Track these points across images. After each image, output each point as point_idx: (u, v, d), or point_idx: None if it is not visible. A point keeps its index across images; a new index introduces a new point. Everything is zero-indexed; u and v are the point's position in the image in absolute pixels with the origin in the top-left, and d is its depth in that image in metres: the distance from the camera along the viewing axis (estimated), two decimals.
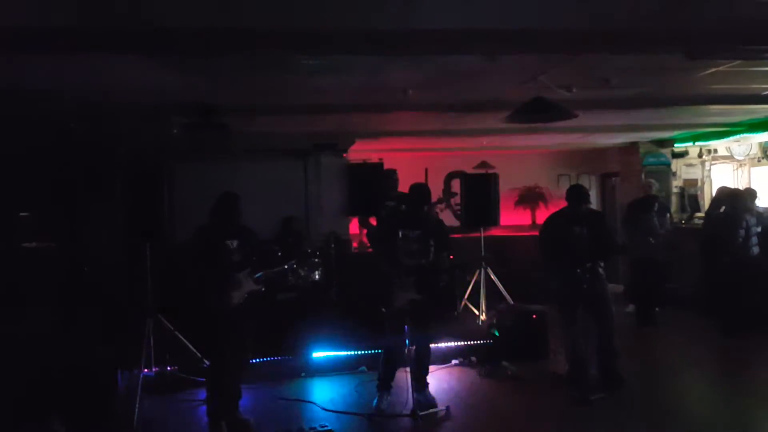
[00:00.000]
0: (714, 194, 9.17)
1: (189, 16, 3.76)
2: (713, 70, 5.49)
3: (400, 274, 5.03)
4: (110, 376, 5.01)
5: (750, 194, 7.76)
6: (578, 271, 5.45)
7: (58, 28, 3.84)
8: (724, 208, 8.01)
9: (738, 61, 5.09)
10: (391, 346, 5.20)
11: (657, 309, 8.32)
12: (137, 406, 5.16)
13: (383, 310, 5.20)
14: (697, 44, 4.39)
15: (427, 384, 5.27)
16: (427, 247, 5.08)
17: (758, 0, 3.71)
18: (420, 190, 5.31)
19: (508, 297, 7.58)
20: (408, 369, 5.13)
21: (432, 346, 6.31)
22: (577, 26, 4.20)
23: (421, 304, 5.00)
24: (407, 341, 5.00)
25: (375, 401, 5.17)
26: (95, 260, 7.22)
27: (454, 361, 6.47)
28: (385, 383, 5.22)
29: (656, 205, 8.25)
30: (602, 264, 5.57)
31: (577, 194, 5.64)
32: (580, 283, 5.44)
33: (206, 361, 5.48)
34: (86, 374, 4.94)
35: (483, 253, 7.82)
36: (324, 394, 5.69)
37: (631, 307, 8.52)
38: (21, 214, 7.10)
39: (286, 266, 5.34)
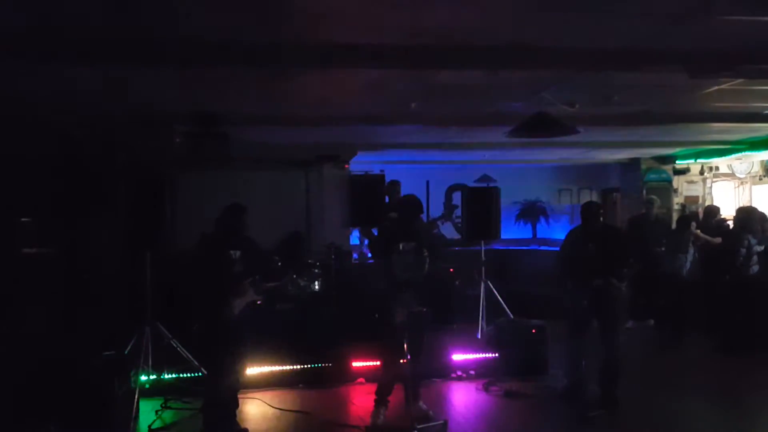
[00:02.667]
0: (703, 212, 9.26)
1: (188, 27, 3.79)
2: (715, 88, 5.52)
3: (397, 287, 5.02)
4: (108, 382, 4.99)
5: (751, 214, 7.78)
6: (584, 287, 5.45)
7: (58, 36, 3.87)
8: (721, 223, 8.09)
9: (740, 80, 5.12)
10: (393, 360, 5.18)
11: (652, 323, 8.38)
12: (134, 413, 5.15)
13: (384, 323, 5.19)
14: (698, 63, 4.42)
15: (419, 395, 5.23)
16: (422, 259, 5.06)
17: (760, 19, 3.74)
18: (412, 202, 5.31)
19: (508, 311, 7.56)
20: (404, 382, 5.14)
21: (430, 359, 6.35)
22: (579, 43, 4.24)
23: (419, 317, 4.98)
24: (405, 354, 5.00)
25: (372, 416, 5.13)
26: (95, 267, 7.22)
27: (452, 375, 6.43)
28: (383, 397, 5.19)
29: (694, 224, 8.24)
30: (615, 282, 5.49)
31: (587, 211, 5.68)
32: (589, 299, 5.43)
33: (204, 370, 5.46)
34: (84, 381, 4.92)
35: (483, 267, 7.80)
36: (321, 405, 5.66)
37: (630, 323, 8.50)
38: (22, 219, 7.11)
39: (286, 278, 5.35)
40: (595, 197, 12.30)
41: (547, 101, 5.69)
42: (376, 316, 6.11)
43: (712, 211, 8.81)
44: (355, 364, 6.27)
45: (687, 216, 8.81)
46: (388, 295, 5.09)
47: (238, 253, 4.76)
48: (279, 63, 4.29)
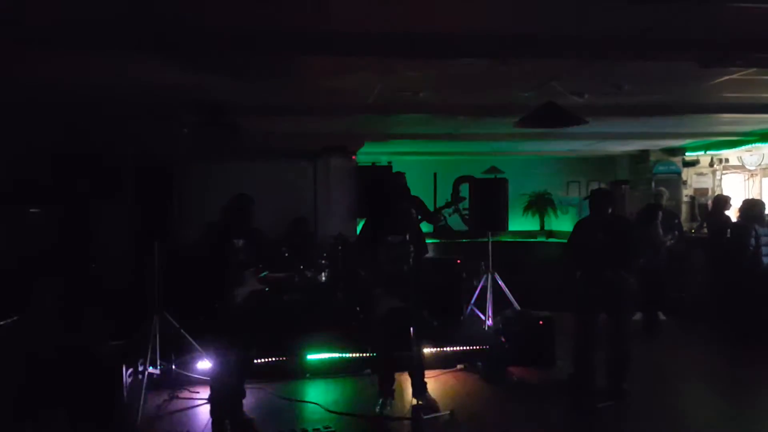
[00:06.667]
0: (712, 203, 9.14)
1: (197, 14, 3.77)
2: (726, 78, 5.45)
3: (381, 281, 4.98)
4: (115, 372, 5.02)
5: (758, 204, 7.72)
6: (597, 277, 5.40)
7: (65, 24, 3.86)
8: (730, 215, 8.02)
9: (751, 69, 5.05)
10: (383, 352, 5.19)
11: (664, 318, 8.35)
12: (141, 403, 5.18)
13: (361, 316, 5.18)
14: (709, 51, 4.36)
15: (425, 387, 5.22)
16: (408, 252, 4.98)
17: None
18: (398, 192, 5.27)
19: (514, 302, 7.55)
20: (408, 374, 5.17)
21: (437, 350, 6.36)
22: (589, 32, 4.19)
23: (402, 312, 4.92)
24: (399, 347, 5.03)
25: (378, 406, 5.15)
26: (103, 257, 7.25)
27: (459, 366, 6.44)
28: (386, 388, 5.20)
29: (660, 214, 8.22)
30: (624, 273, 5.44)
31: (596, 200, 5.62)
32: (597, 290, 5.39)
33: (210, 360, 5.48)
34: (92, 370, 4.95)
35: (490, 259, 7.79)
36: (328, 395, 5.68)
37: (638, 315, 8.47)
38: (31, 210, 7.14)
39: (293, 272, 5.36)
40: None
41: (556, 91, 5.64)
42: (358, 309, 6.12)
43: (722, 201, 8.62)
44: (361, 354, 6.28)
45: (653, 206, 8.49)
46: (370, 288, 5.07)
47: (242, 242, 4.77)
48: (283, 50, 4.26)
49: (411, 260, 4.98)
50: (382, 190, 7.77)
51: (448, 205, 6.20)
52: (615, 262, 5.39)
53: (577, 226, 5.84)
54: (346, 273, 7.40)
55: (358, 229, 9.34)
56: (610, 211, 5.57)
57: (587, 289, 5.47)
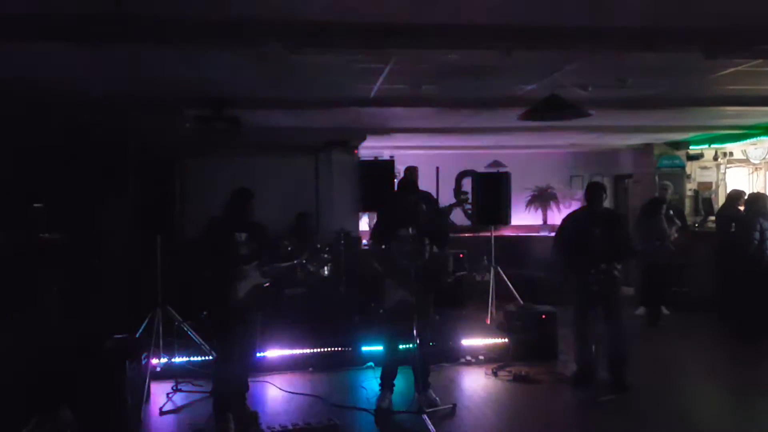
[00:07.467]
0: (726, 197, 9.07)
1: (196, 8, 3.75)
2: (731, 69, 5.40)
3: (394, 274, 4.98)
4: (119, 366, 5.03)
5: (762, 198, 7.67)
6: (591, 272, 5.38)
7: (67, 20, 3.84)
8: (739, 210, 7.95)
9: (757, 61, 5.01)
10: (389, 345, 5.18)
11: (667, 312, 8.35)
12: (144, 397, 5.19)
13: (380, 310, 5.17)
14: (715, 43, 4.32)
15: (428, 385, 5.19)
16: (422, 246, 4.96)
17: None
18: (409, 186, 5.23)
19: (517, 296, 7.54)
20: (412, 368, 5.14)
21: (439, 344, 6.35)
22: (593, 23, 4.16)
23: (411, 306, 4.89)
24: (405, 341, 5.02)
25: (381, 400, 5.14)
26: (106, 251, 7.26)
27: (461, 359, 6.43)
28: (387, 382, 5.19)
29: (664, 207, 8.22)
30: (618, 266, 5.47)
31: (592, 192, 5.62)
32: (593, 284, 5.37)
33: (213, 353, 5.49)
34: (95, 364, 4.96)
35: (493, 253, 7.78)
36: (331, 388, 5.68)
37: (641, 310, 8.47)
38: (34, 205, 7.14)
39: (295, 261, 5.33)
40: (606, 183, 12.18)
41: (559, 84, 5.60)
42: (372, 304, 6.11)
43: (736, 195, 8.48)
44: (364, 347, 6.29)
45: (657, 199, 8.57)
46: (383, 281, 5.05)
47: (244, 236, 4.76)
48: (282, 43, 4.22)
49: (426, 254, 4.97)
50: (390, 184, 7.81)
51: (454, 205, 6.18)
52: (609, 255, 5.38)
53: (569, 219, 5.81)
54: (348, 267, 7.41)
55: (360, 223, 9.38)
56: (603, 205, 5.59)
57: (583, 282, 5.44)
